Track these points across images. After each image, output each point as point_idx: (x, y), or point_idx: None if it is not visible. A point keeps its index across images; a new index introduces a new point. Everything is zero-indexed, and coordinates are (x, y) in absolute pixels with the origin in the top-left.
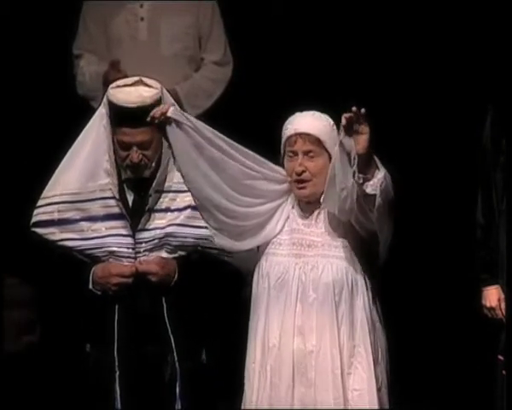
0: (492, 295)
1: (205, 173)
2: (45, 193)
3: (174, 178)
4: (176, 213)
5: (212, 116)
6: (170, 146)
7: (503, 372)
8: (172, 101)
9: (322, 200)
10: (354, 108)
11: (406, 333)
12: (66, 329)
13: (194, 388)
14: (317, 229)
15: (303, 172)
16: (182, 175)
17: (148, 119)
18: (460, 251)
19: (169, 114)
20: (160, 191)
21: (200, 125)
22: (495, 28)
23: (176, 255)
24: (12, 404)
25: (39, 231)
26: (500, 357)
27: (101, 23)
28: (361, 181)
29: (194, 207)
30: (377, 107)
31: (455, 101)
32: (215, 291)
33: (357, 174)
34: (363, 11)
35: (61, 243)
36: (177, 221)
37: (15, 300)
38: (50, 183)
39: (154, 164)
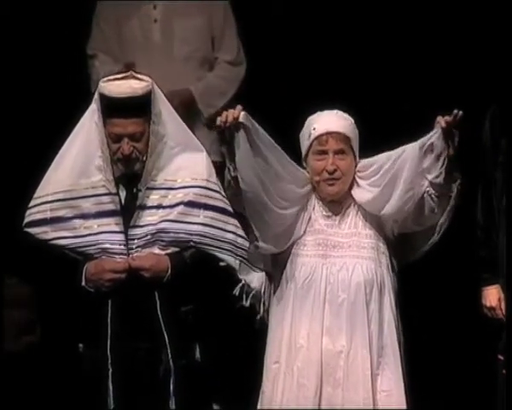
0: (492, 295)
1: (260, 177)
2: (38, 193)
3: (165, 176)
4: (168, 210)
5: None
6: (230, 150)
7: (504, 372)
8: (162, 96)
9: (363, 200)
10: (455, 111)
11: (406, 332)
12: (63, 329)
13: (188, 386)
14: (340, 230)
15: (334, 170)
16: (240, 178)
17: (218, 122)
18: (460, 251)
19: (241, 119)
20: (151, 188)
21: (261, 129)
22: (496, 27)
23: (168, 251)
24: (12, 404)
25: (32, 230)
26: (500, 357)
27: (114, 24)
28: (443, 182)
29: (186, 204)
30: (379, 105)
31: (455, 100)
32: (207, 287)
33: (443, 175)
34: (366, 11)
35: (54, 241)
36: (170, 217)
37: (15, 300)
38: (42, 182)
39: (144, 158)
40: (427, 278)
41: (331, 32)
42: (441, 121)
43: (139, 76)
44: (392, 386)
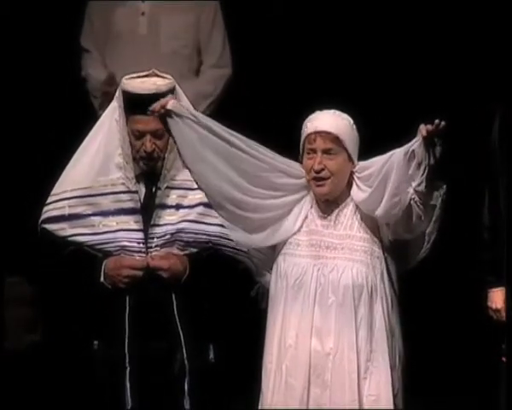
0: (498, 297)
1: (213, 166)
2: (55, 190)
3: (184, 176)
4: (187, 210)
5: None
6: (173, 140)
7: (504, 370)
8: (183, 94)
9: (359, 200)
10: (437, 121)
11: (410, 334)
12: (69, 327)
13: (202, 386)
14: (336, 231)
15: (322, 170)
16: (188, 169)
17: (148, 112)
18: (466, 253)
19: (169, 106)
20: (171, 188)
21: (203, 117)
22: (501, 29)
23: (187, 252)
24: (14, 403)
25: (50, 227)
26: (504, 359)
27: (104, 17)
28: (425, 191)
29: (205, 205)
30: (383, 108)
31: (462, 103)
32: (225, 289)
33: (424, 184)
34: (366, 12)
35: (72, 238)
36: (190, 217)
37: (17, 298)
38: (60, 179)
39: (165, 156)
40: (433, 280)
41: (331, 33)
42: (422, 130)
43: (161, 74)
44: (380, 390)
